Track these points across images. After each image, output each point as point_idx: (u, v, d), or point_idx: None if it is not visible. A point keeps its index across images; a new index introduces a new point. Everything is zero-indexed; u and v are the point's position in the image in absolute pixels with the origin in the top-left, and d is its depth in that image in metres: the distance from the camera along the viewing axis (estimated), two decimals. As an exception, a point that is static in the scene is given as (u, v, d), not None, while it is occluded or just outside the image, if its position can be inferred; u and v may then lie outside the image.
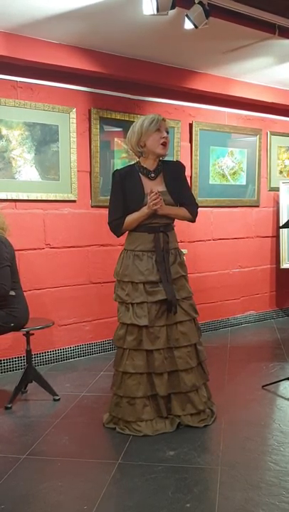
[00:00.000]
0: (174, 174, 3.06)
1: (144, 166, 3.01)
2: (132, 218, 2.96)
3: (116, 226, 3.02)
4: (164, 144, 2.96)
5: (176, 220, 3.12)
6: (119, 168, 3.15)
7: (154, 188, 2.94)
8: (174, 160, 3.13)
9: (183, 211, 3.08)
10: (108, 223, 3.06)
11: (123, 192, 2.98)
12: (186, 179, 3.18)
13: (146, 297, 2.92)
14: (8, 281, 3.23)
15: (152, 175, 3.00)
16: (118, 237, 3.11)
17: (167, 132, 3.00)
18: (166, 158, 3.11)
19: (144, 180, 2.99)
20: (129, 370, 2.91)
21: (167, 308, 2.92)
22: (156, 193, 2.87)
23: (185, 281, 3.06)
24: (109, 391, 3.62)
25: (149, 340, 2.91)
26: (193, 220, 3.15)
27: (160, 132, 2.95)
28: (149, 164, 3.01)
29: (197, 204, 3.16)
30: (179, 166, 3.14)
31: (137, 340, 2.91)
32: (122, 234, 3.07)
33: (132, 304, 2.93)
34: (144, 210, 2.92)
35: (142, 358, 2.91)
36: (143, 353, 2.92)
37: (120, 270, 3.02)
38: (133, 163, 3.10)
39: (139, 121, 2.98)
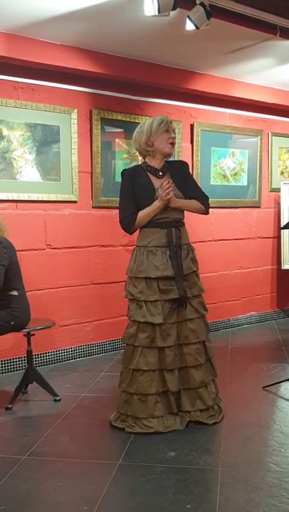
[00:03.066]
0: (179, 171, 3.13)
1: (151, 164, 3.06)
2: (144, 213, 2.98)
3: (128, 223, 3.02)
4: (172, 144, 3.04)
5: None
6: (119, 168, 3.18)
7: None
8: (177, 160, 3.21)
9: (195, 203, 3.12)
10: (120, 221, 3.06)
11: (133, 189, 3.01)
12: (191, 175, 3.25)
13: (160, 295, 2.95)
14: (1, 278, 3.22)
15: (160, 173, 3.05)
16: (131, 234, 3.12)
17: (174, 133, 3.09)
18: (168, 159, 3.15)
19: (152, 178, 3.03)
20: (142, 368, 2.94)
21: (179, 304, 2.97)
22: (168, 182, 2.92)
23: (196, 278, 3.11)
24: (110, 392, 3.63)
25: (162, 337, 2.94)
26: (206, 212, 3.18)
27: (168, 133, 3.02)
28: (156, 163, 3.06)
29: (207, 196, 3.20)
30: (183, 164, 3.22)
31: (150, 337, 2.94)
32: (135, 231, 3.08)
33: (146, 302, 2.95)
34: (156, 204, 2.95)
35: (154, 355, 2.95)
36: (155, 350, 2.95)
37: (134, 267, 3.02)
38: (139, 163, 3.14)
39: (148, 122, 3.03)
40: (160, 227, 3.00)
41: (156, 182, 3.02)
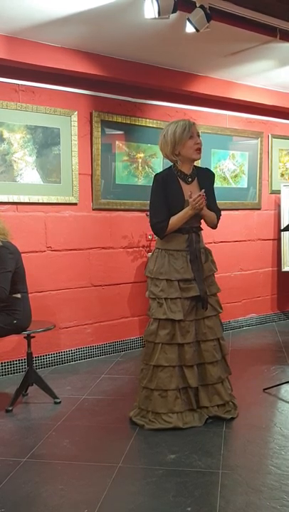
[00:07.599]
0: (206, 180, 3.19)
1: (181, 170, 3.10)
2: (175, 220, 3.04)
3: (161, 228, 3.08)
4: (199, 149, 3.06)
5: None
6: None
7: (192, 191, 3.04)
8: (204, 167, 3.28)
9: (214, 216, 3.20)
10: (152, 225, 3.12)
11: (165, 195, 3.06)
12: (213, 187, 3.28)
13: (180, 293, 3.03)
14: (7, 286, 3.24)
15: (189, 179, 3.11)
16: (162, 238, 3.15)
17: (198, 135, 3.08)
18: None
19: (182, 184, 3.09)
20: (163, 364, 3.00)
21: (202, 305, 3.06)
22: (200, 195, 2.96)
23: (214, 278, 3.22)
24: (110, 394, 3.63)
25: (181, 334, 3.02)
26: (216, 227, 3.27)
27: (193, 138, 3.03)
28: (186, 169, 3.11)
29: (220, 212, 3.29)
30: (211, 174, 3.28)
31: (170, 334, 3.02)
32: (166, 235, 3.11)
33: (166, 299, 3.03)
34: (188, 212, 3.01)
35: (174, 352, 3.02)
36: (175, 346, 3.03)
37: (155, 268, 3.10)
38: (170, 166, 3.18)
39: (170, 130, 3.03)
40: (181, 233, 3.08)
41: (185, 188, 3.08)
